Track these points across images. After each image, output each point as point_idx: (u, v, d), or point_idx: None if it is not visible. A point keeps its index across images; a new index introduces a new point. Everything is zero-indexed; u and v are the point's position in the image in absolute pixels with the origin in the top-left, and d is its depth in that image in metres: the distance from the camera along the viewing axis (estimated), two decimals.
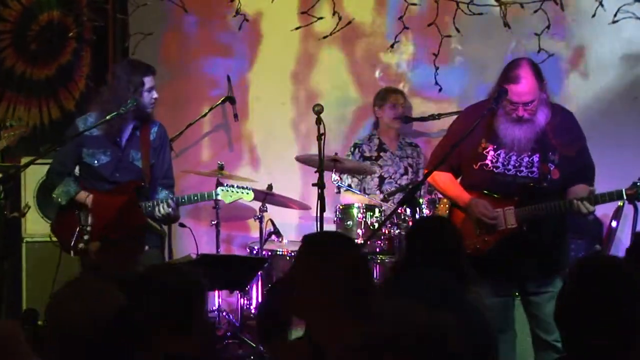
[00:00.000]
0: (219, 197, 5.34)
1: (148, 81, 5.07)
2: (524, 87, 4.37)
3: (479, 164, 4.47)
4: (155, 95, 5.10)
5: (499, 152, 4.45)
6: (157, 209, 5.02)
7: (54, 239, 5.23)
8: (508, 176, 4.44)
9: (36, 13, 7.12)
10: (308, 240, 2.99)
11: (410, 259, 3.52)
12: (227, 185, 5.40)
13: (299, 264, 2.93)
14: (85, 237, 4.96)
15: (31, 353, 2.20)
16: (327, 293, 2.77)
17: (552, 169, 4.40)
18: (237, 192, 5.37)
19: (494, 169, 4.45)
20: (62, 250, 5.16)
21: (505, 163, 4.44)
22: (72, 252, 5.02)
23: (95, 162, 5.07)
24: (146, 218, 4.97)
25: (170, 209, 5.02)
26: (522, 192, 4.39)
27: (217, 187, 5.52)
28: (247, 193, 5.41)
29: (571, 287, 2.55)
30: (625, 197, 4.26)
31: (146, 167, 5.09)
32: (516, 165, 4.43)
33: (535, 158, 4.42)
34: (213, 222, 6.16)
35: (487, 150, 4.45)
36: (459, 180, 4.64)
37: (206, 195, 5.32)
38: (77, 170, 5.27)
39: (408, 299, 3.25)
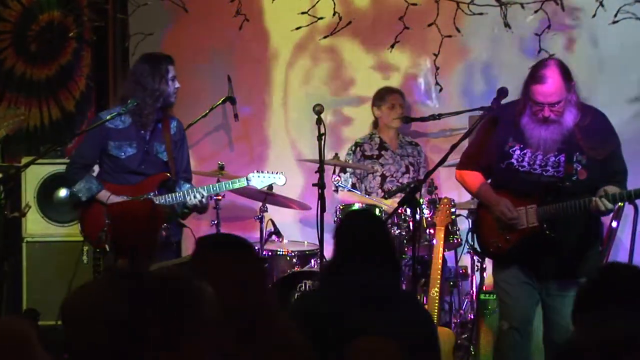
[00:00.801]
0: (251, 184, 5.38)
1: (171, 70, 5.18)
2: (549, 87, 4.30)
3: (505, 162, 4.46)
4: (177, 84, 5.18)
5: (525, 151, 4.43)
6: (188, 198, 5.11)
7: (75, 238, 5.26)
8: (534, 175, 4.42)
9: (36, 13, 7.12)
10: (203, 244, 2.91)
11: (344, 256, 3.48)
12: (258, 170, 5.44)
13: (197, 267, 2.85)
14: None
15: (45, 353, 2.18)
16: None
17: (578, 169, 4.36)
18: (269, 177, 5.42)
19: (520, 168, 4.44)
20: (92, 246, 5.19)
21: (531, 162, 4.42)
22: (106, 246, 5.03)
23: (122, 154, 5.13)
24: (166, 214, 4.97)
25: (202, 199, 5.12)
26: (545, 191, 4.38)
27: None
28: (279, 178, 5.45)
29: (591, 291, 2.56)
30: None
31: (171, 159, 5.17)
32: (542, 164, 4.41)
33: (562, 158, 4.39)
34: (213, 222, 6.15)
35: (514, 149, 4.44)
36: (489, 180, 4.63)
37: (237, 182, 5.36)
38: (96, 168, 5.30)
39: (349, 298, 3.26)
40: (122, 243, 3.45)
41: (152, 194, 5.11)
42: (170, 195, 5.12)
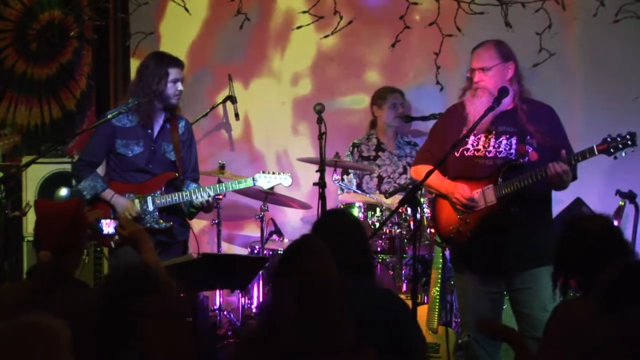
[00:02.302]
0: (257, 184, 5.38)
1: (173, 72, 5.15)
2: (482, 51, 4.52)
3: (460, 149, 4.49)
4: (180, 87, 5.18)
5: (479, 136, 4.47)
6: (195, 197, 5.14)
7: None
8: (489, 159, 4.47)
9: (37, 12, 7.13)
10: None
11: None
12: (264, 171, 5.46)
13: None
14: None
15: (71, 356, 2.20)
16: None
17: (530, 151, 4.41)
18: (276, 177, 5.42)
19: (475, 152, 4.49)
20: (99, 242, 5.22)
21: (485, 145, 4.46)
22: (113, 244, 5.06)
23: (130, 152, 5.15)
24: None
25: (209, 198, 5.14)
26: (499, 170, 4.40)
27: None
28: (286, 178, 5.45)
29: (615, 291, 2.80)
30: (596, 153, 4.23)
31: (178, 159, 5.20)
32: (495, 146, 4.46)
33: (514, 140, 4.46)
34: (214, 222, 6.16)
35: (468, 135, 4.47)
36: (446, 176, 4.64)
37: (244, 182, 5.37)
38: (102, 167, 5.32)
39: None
40: (44, 237, 3.48)
41: (158, 193, 5.13)
42: (176, 194, 5.15)
